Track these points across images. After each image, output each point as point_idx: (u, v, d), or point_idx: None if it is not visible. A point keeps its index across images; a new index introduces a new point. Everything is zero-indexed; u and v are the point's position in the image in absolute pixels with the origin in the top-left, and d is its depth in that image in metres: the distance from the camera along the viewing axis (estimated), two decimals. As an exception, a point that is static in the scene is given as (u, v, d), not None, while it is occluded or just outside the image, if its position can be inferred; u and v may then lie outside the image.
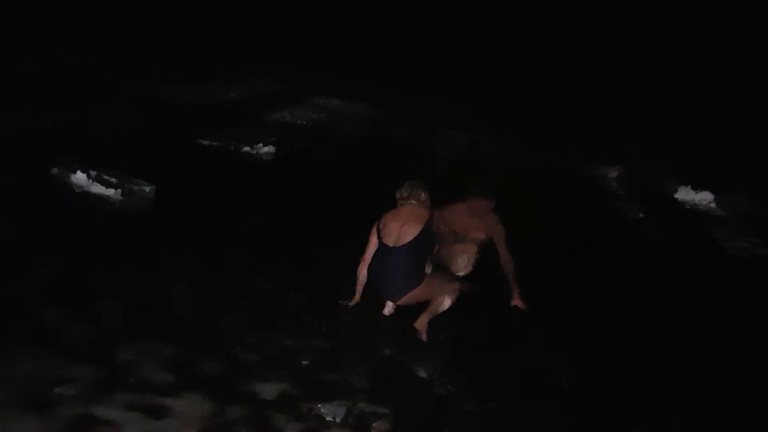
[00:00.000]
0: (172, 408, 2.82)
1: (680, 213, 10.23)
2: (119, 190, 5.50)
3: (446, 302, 4.02)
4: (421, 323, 4.01)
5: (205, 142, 7.82)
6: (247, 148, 8.01)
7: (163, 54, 11.28)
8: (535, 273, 4.63)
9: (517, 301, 4.35)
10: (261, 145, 8.15)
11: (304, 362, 3.44)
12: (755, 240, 8.84)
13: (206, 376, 3.14)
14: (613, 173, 11.98)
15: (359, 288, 4.12)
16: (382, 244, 4.02)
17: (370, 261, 4.07)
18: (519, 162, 11.13)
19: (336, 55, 13.70)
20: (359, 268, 4.10)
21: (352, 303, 4.11)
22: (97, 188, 5.51)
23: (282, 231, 5.41)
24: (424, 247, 4.04)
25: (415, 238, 3.96)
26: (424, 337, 3.98)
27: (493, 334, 4.25)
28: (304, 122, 10.69)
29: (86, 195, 5.41)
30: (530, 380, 3.75)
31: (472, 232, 4.53)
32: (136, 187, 5.56)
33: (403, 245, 3.97)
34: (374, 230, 4.09)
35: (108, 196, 5.45)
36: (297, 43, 13.33)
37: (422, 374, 3.61)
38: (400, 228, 4.00)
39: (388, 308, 4.20)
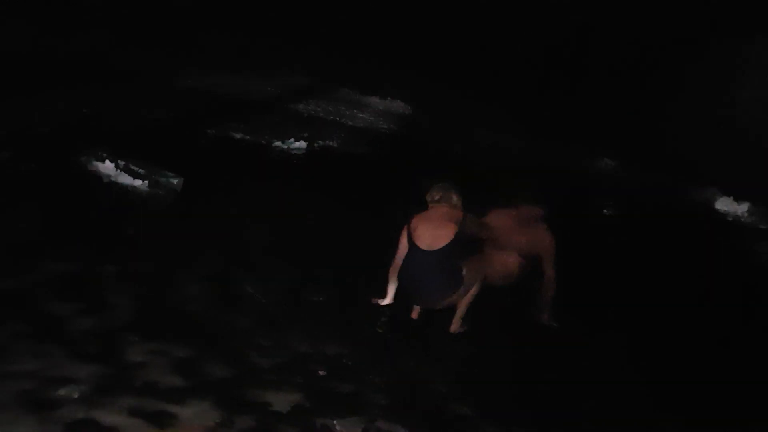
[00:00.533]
0: (178, 415, 2.68)
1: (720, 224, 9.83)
2: (146, 182, 5.43)
3: (472, 293, 3.93)
4: (456, 327, 3.97)
5: (237, 135, 7.74)
6: (278, 143, 7.89)
7: (194, 42, 11.20)
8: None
9: (546, 319, 4.16)
10: (293, 140, 8.03)
11: (320, 372, 3.26)
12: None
13: (215, 381, 2.99)
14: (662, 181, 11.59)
15: (391, 290, 4.00)
16: (414, 247, 3.85)
17: (400, 264, 3.93)
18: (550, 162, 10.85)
19: (370, 49, 13.49)
20: (390, 270, 3.99)
21: (384, 303, 4.00)
22: (125, 178, 5.46)
23: (307, 230, 5.25)
24: (459, 251, 3.87)
25: (450, 241, 3.80)
26: (460, 329, 3.97)
27: (524, 352, 4.01)
28: (337, 118, 10.56)
29: (113, 185, 5.36)
30: (556, 402, 3.50)
31: (515, 241, 4.20)
32: (163, 179, 5.48)
33: (438, 249, 3.80)
34: (405, 233, 3.93)
35: (135, 186, 5.38)
36: (329, 36, 13.14)
37: (444, 390, 3.39)
38: (434, 231, 3.84)
39: (416, 312, 4.05)
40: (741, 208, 10.81)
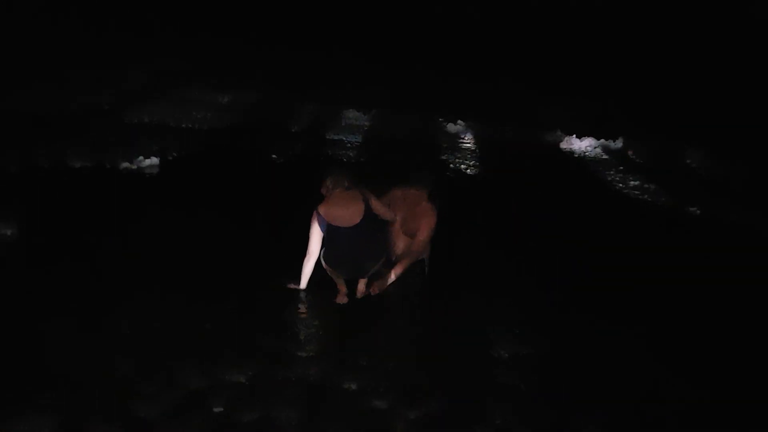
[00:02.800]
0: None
1: (570, 162, 10.59)
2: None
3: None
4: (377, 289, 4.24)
5: (75, 164, 6.94)
6: (126, 164, 7.21)
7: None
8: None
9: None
10: (141, 157, 7.37)
11: (216, 409, 2.94)
12: (641, 176, 9.37)
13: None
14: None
15: (305, 277, 4.20)
16: (335, 229, 4.10)
17: (317, 252, 4.14)
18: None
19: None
20: (306, 260, 4.17)
21: (300, 287, 4.19)
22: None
23: (182, 254, 4.78)
24: (374, 224, 4.20)
25: (364, 215, 4.11)
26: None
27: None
28: (189, 124, 9.91)
29: None
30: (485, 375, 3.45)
31: (411, 224, 4.37)
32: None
33: (357, 224, 4.09)
34: (315, 221, 4.12)
35: None
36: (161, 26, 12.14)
37: (353, 387, 3.20)
38: (346, 211, 4.10)
39: (342, 296, 4.21)
40: (584, 144, 11.84)
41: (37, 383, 2.98)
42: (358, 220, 4.10)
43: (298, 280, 4.21)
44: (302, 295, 4.18)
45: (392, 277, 4.30)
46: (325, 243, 4.16)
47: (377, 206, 4.19)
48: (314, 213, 4.14)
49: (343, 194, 4.15)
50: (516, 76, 12.53)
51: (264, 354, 3.42)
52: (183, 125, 9.76)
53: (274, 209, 5.97)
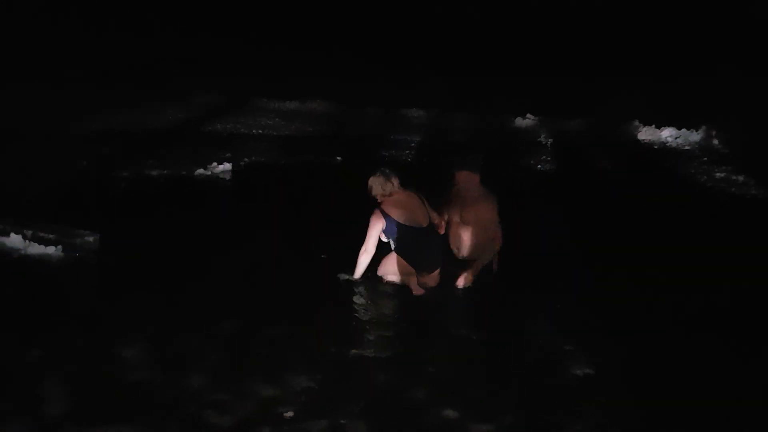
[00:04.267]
0: None
1: (649, 153, 10.08)
2: (59, 246, 4.93)
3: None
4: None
5: (153, 173, 7.24)
6: (200, 170, 7.45)
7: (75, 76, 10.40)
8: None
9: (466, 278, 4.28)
10: (215, 164, 7.59)
11: (287, 414, 2.95)
12: (728, 167, 8.80)
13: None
14: (576, 125, 11.76)
15: (360, 270, 4.28)
16: (406, 227, 4.18)
17: (374, 250, 4.23)
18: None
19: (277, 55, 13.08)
20: (363, 255, 4.23)
21: (354, 278, 4.28)
22: (35, 248, 4.94)
23: (251, 259, 4.85)
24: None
25: (431, 219, 4.28)
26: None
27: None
28: (259, 131, 10.14)
29: (25, 258, 4.83)
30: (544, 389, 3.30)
31: (466, 210, 4.35)
32: (78, 240, 5.00)
33: (430, 224, 4.27)
34: (379, 221, 4.19)
35: (48, 254, 4.88)
36: (234, 48, 12.62)
37: (421, 396, 3.13)
38: (416, 211, 4.23)
39: (417, 288, 4.27)
40: (664, 134, 11.20)
41: (111, 394, 3.07)
42: (428, 223, 4.25)
43: (352, 273, 4.28)
44: (364, 299, 4.14)
45: (478, 267, 4.30)
46: (397, 241, 4.26)
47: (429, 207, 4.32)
48: (377, 211, 4.20)
49: (407, 195, 4.26)
50: (585, 62, 12.15)
51: (329, 360, 3.40)
52: (253, 132, 10.00)
53: (338, 212, 5.98)
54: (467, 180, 4.39)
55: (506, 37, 13.00)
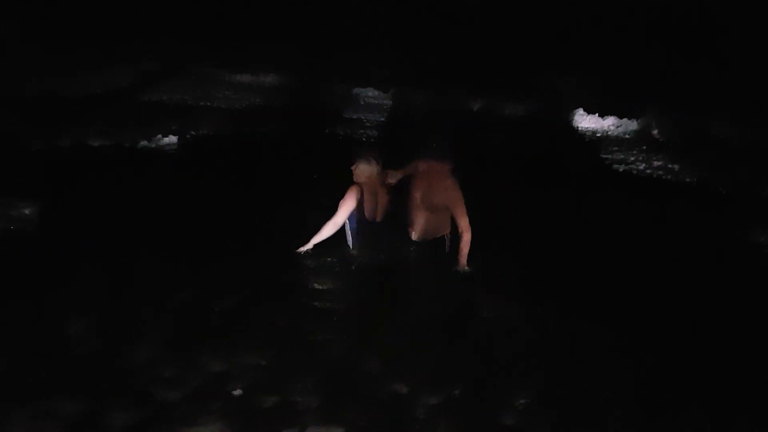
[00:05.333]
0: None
1: (590, 141, 10.39)
2: (-3, 217, 4.70)
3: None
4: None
5: (94, 143, 6.96)
6: (144, 142, 7.21)
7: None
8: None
9: (462, 266, 4.22)
10: (160, 136, 7.36)
11: (235, 392, 2.93)
12: (665, 156, 9.15)
13: (121, 433, 2.60)
14: (519, 109, 12.00)
15: (317, 240, 4.26)
16: (367, 222, 4.30)
17: (340, 225, 4.25)
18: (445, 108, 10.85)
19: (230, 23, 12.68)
20: (327, 228, 4.22)
21: (307, 248, 4.27)
22: (-33, 219, 4.70)
23: (199, 233, 4.75)
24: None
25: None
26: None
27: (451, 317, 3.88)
28: (207, 102, 9.88)
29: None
30: (492, 361, 3.40)
31: (433, 199, 4.27)
32: (13, 212, 4.77)
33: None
34: (353, 197, 4.22)
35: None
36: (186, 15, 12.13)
37: (375, 371, 3.17)
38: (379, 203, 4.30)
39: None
40: (606, 123, 11.56)
41: (55, 368, 2.98)
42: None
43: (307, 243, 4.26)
44: (315, 274, 4.14)
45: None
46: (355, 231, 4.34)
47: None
48: (356, 188, 4.24)
49: (383, 187, 4.36)
50: (535, 48, 12.32)
51: (280, 336, 3.40)
52: (201, 104, 9.72)
53: (289, 189, 5.93)
54: (432, 168, 4.32)
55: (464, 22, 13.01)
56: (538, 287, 4.19)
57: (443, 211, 4.33)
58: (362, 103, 11.84)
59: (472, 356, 3.34)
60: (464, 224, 4.22)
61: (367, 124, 10.10)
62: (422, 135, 4.85)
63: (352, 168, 4.36)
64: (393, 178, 4.44)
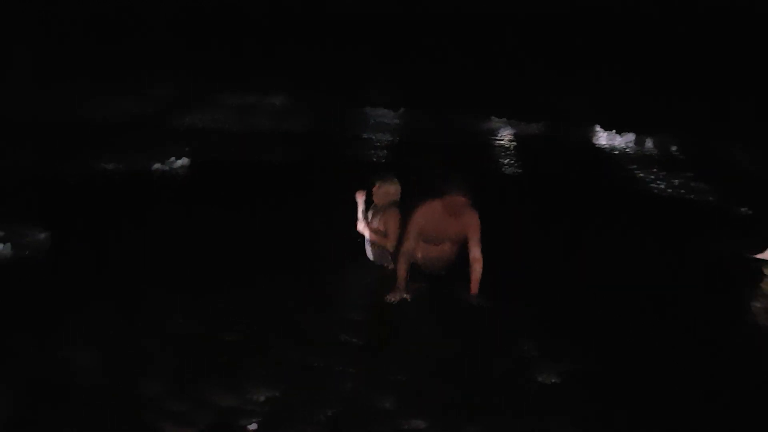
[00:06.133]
0: None
1: (607, 158, 10.27)
2: (7, 244, 4.67)
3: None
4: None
5: (108, 166, 6.96)
6: (157, 165, 7.20)
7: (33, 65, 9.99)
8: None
9: (475, 299, 4.08)
10: (173, 159, 7.36)
11: (251, 426, 2.83)
12: (688, 174, 9.01)
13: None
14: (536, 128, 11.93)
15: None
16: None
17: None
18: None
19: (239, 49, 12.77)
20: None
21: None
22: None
23: (209, 260, 4.68)
24: None
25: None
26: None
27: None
28: (219, 126, 9.91)
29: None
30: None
31: (447, 231, 4.16)
32: (27, 237, 4.74)
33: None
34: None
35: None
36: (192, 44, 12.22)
37: (389, 406, 3.05)
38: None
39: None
40: (626, 140, 11.43)
41: (61, 403, 2.89)
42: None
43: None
44: (327, 304, 4.03)
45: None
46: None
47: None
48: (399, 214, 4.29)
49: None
50: (549, 65, 12.27)
51: (293, 368, 3.28)
52: (212, 126, 9.76)
53: (300, 212, 5.87)
54: (462, 204, 4.12)
55: (474, 35, 12.99)
56: (557, 319, 4.06)
57: (456, 243, 4.22)
58: (372, 122, 11.83)
59: (489, 392, 3.21)
60: (477, 254, 4.12)
61: (377, 144, 10.07)
62: (439, 171, 4.76)
63: (374, 188, 4.29)
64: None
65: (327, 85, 11.91)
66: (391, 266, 4.31)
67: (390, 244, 4.32)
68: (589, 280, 4.73)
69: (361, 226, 4.50)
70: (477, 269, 4.10)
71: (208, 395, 3.01)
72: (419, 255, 4.25)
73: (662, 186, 8.60)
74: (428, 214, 4.13)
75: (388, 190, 4.30)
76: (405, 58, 13.10)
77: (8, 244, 4.64)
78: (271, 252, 4.86)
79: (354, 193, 4.56)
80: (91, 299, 3.91)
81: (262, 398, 3.01)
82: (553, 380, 3.31)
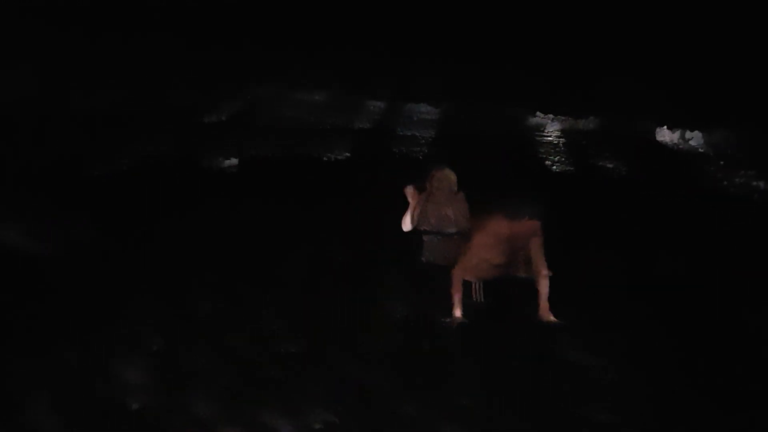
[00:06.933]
0: None
1: (666, 156, 9.79)
2: (55, 243, 4.60)
3: None
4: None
5: (155, 165, 6.91)
6: (206, 163, 7.13)
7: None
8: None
9: (545, 315, 3.82)
10: (221, 158, 7.27)
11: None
12: (750, 173, 8.50)
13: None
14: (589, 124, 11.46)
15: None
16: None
17: None
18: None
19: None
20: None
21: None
22: (31, 244, 4.61)
23: (262, 265, 4.52)
24: None
25: None
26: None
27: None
28: (269, 122, 9.82)
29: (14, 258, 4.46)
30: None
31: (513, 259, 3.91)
32: (73, 234, 4.67)
33: None
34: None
35: (43, 252, 4.53)
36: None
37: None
38: None
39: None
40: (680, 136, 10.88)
41: (107, 423, 2.77)
42: None
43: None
44: (386, 321, 3.83)
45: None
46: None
47: None
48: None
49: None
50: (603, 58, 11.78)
51: (350, 388, 3.11)
52: (259, 124, 9.68)
53: (352, 213, 5.65)
54: (531, 228, 3.91)
55: (516, 28, 12.56)
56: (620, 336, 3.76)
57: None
58: (415, 119, 11.57)
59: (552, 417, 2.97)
60: (544, 270, 3.87)
61: (422, 141, 9.81)
62: (503, 192, 4.44)
63: (432, 174, 4.14)
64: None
65: (371, 81, 11.71)
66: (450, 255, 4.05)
67: (462, 228, 4.08)
68: (669, 300, 4.36)
69: (407, 221, 4.22)
70: (545, 285, 3.87)
71: (263, 417, 2.84)
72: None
73: (724, 184, 8.10)
74: (491, 246, 3.93)
75: (449, 176, 4.13)
76: (447, 52, 12.78)
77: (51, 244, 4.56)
78: (325, 256, 4.67)
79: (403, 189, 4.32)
80: (141, 307, 3.80)
81: (318, 424, 2.83)
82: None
